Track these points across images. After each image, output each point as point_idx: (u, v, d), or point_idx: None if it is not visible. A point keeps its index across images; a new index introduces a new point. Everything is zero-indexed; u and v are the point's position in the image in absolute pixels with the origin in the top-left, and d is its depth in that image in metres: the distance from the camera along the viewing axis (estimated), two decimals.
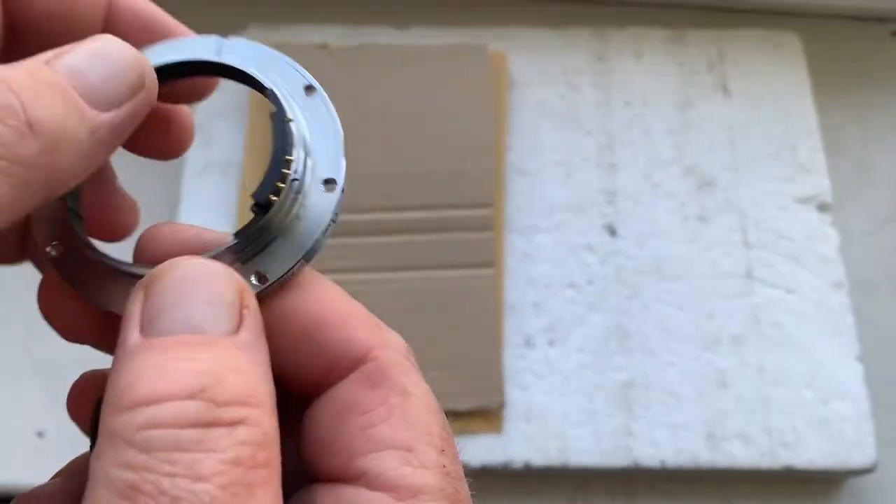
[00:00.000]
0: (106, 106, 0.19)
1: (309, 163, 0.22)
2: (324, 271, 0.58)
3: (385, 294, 0.55)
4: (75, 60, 0.19)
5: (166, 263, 0.19)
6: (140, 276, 0.20)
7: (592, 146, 0.61)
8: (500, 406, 0.53)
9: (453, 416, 0.53)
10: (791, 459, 0.52)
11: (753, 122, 0.62)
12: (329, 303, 0.21)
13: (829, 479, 0.55)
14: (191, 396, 0.17)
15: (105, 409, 0.17)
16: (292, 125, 0.22)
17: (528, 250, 0.57)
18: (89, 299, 0.22)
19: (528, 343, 0.55)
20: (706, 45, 0.64)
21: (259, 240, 0.21)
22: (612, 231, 0.58)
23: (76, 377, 0.25)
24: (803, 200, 0.59)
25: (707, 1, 0.68)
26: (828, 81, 0.65)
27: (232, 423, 0.17)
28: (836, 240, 0.58)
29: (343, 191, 0.22)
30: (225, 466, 0.16)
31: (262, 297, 0.21)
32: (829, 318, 0.56)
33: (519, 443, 0.52)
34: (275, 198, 0.21)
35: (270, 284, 0.21)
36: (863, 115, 0.66)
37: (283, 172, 0.21)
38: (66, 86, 0.18)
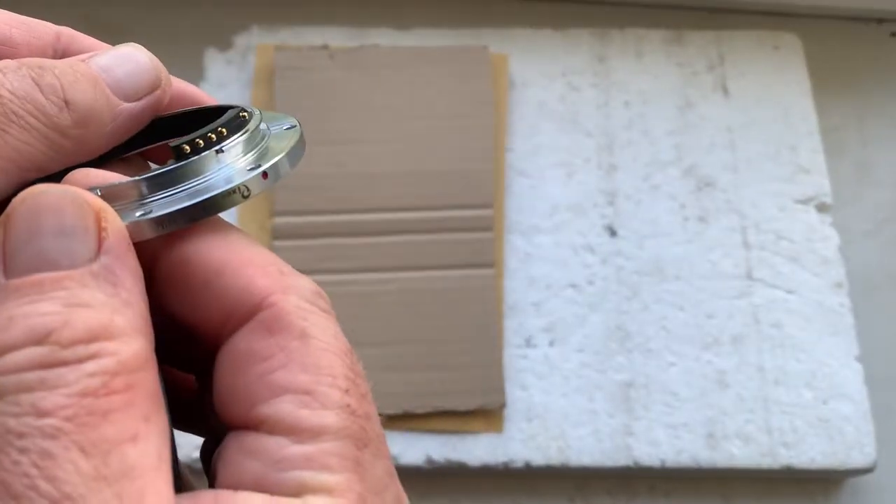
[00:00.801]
0: (127, 97, 0.23)
1: (244, 147, 0.23)
2: (324, 271, 0.58)
3: (386, 294, 0.55)
4: (106, 60, 0.23)
5: (20, 195, 0.19)
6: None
7: (593, 147, 0.61)
8: (501, 406, 0.53)
9: (454, 415, 0.53)
10: (791, 459, 0.52)
11: (753, 123, 0.62)
12: (230, 250, 0.21)
13: (829, 479, 0.55)
14: (36, 342, 0.17)
15: None
16: (246, 118, 0.23)
17: (528, 251, 0.58)
18: None
19: (529, 343, 0.55)
20: (706, 46, 0.64)
21: (160, 183, 0.21)
22: (612, 231, 0.58)
23: None
24: (803, 201, 0.59)
25: (707, 1, 0.68)
26: (828, 81, 0.65)
27: (79, 361, 0.17)
28: (836, 240, 0.58)
29: (265, 175, 0.22)
30: (70, 399, 0.17)
31: (158, 244, 0.21)
32: (829, 318, 0.56)
33: (519, 442, 0.52)
34: (187, 148, 0.22)
35: (149, 217, 0.21)
36: (863, 116, 0.66)
37: (209, 135, 0.22)
38: (98, 77, 0.23)
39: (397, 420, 0.52)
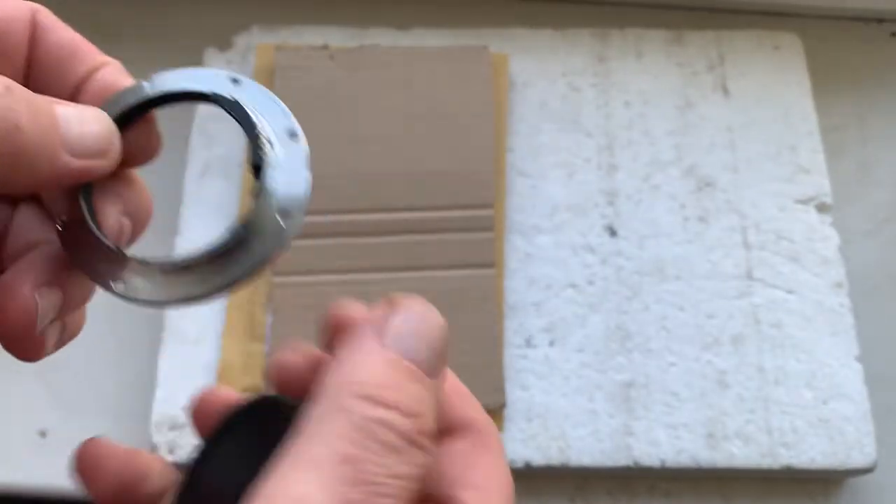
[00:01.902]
0: (73, 153, 0.24)
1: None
2: (325, 271, 0.58)
3: (386, 294, 0.55)
4: (66, 111, 0.24)
5: (409, 298, 0.28)
6: (129, 260, 0.25)
7: (593, 147, 0.61)
8: (501, 406, 0.53)
9: None
10: (791, 459, 0.52)
11: (753, 123, 0.62)
12: (452, 385, 0.30)
13: (829, 479, 0.55)
14: (408, 415, 0.23)
15: (337, 381, 0.23)
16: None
17: (528, 251, 0.58)
18: (83, 270, 0.25)
19: (529, 343, 0.55)
20: (706, 46, 0.64)
21: None
22: (612, 232, 0.58)
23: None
24: (803, 201, 0.59)
25: (707, 1, 0.68)
26: (828, 81, 0.65)
27: (421, 447, 0.23)
28: (836, 240, 0.58)
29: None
30: (413, 470, 0.22)
31: None
32: (829, 318, 0.56)
33: (519, 442, 0.52)
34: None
35: None
36: (863, 116, 0.66)
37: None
38: (55, 118, 0.23)
39: None
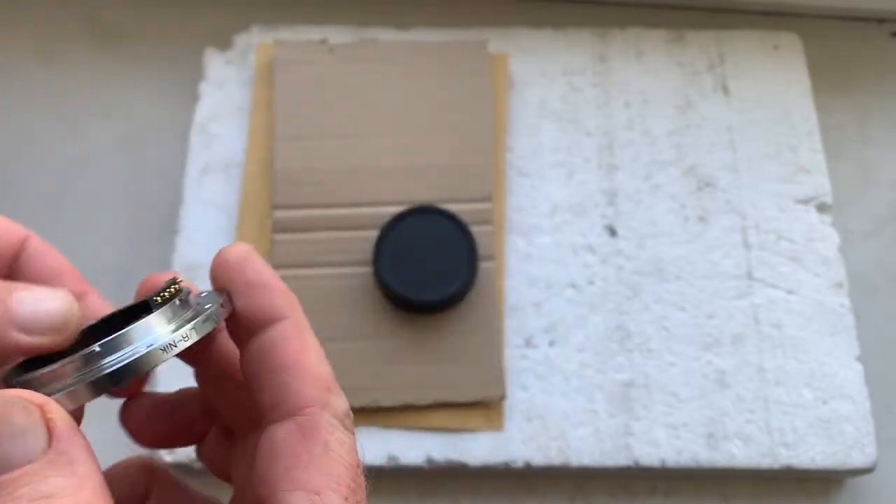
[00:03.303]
0: (21, 330, 0.25)
1: (173, 312, 0.26)
2: (324, 264, 0.58)
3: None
4: (22, 293, 0.25)
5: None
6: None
7: (593, 147, 0.61)
8: (501, 398, 0.53)
9: (454, 409, 0.53)
10: (791, 459, 0.52)
11: (753, 123, 0.62)
12: (303, 352, 0.26)
13: (829, 479, 0.55)
14: None
15: None
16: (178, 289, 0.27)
17: (528, 251, 0.58)
18: None
19: (529, 343, 0.55)
20: (706, 46, 0.64)
21: (94, 355, 0.25)
22: (612, 232, 0.58)
23: None
24: (803, 201, 0.59)
25: (707, 1, 0.68)
26: (828, 81, 0.65)
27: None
28: (837, 240, 0.58)
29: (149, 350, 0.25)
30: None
31: (245, 332, 0.28)
32: (829, 318, 0.56)
33: (520, 442, 0.52)
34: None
35: (86, 382, 0.24)
36: (863, 116, 0.66)
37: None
38: (7, 300, 0.25)
39: (397, 413, 0.52)
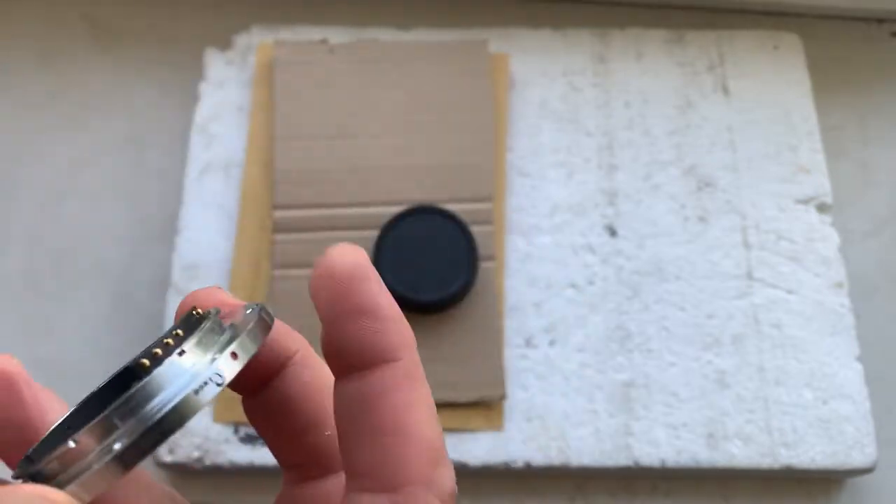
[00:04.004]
0: None
1: (205, 341, 0.21)
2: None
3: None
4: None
5: None
6: None
7: (593, 147, 0.61)
8: (501, 398, 0.53)
9: (454, 408, 0.53)
10: (791, 459, 0.52)
11: (753, 123, 0.62)
12: (408, 416, 0.22)
13: (829, 479, 0.55)
14: None
15: None
16: (201, 314, 0.22)
17: (529, 251, 0.58)
18: None
19: (529, 343, 0.55)
20: (706, 46, 0.64)
21: (124, 412, 0.20)
22: (612, 232, 0.58)
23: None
24: (803, 201, 0.59)
25: (707, 1, 0.68)
26: (828, 81, 0.65)
27: None
28: (837, 240, 0.58)
29: (235, 356, 0.21)
30: None
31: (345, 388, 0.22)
32: (829, 318, 0.56)
33: (520, 442, 0.52)
34: (146, 362, 0.21)
35: (110, 458, 0.19)
36: (863, 116, 0.66)
37: (165, 342, 0.21)
38: None
39: None
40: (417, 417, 0.21)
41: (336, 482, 0.25)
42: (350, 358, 0.22)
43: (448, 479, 0.22)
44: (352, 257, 0.22)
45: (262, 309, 0.23)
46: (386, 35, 0.64)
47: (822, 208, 0.59)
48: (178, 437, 0.52)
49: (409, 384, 0.22)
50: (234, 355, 0.21)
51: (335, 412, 0.22)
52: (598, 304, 0.56)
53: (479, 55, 0.62)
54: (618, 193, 0.59)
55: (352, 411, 0.22)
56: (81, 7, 0.69)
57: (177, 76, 0.66)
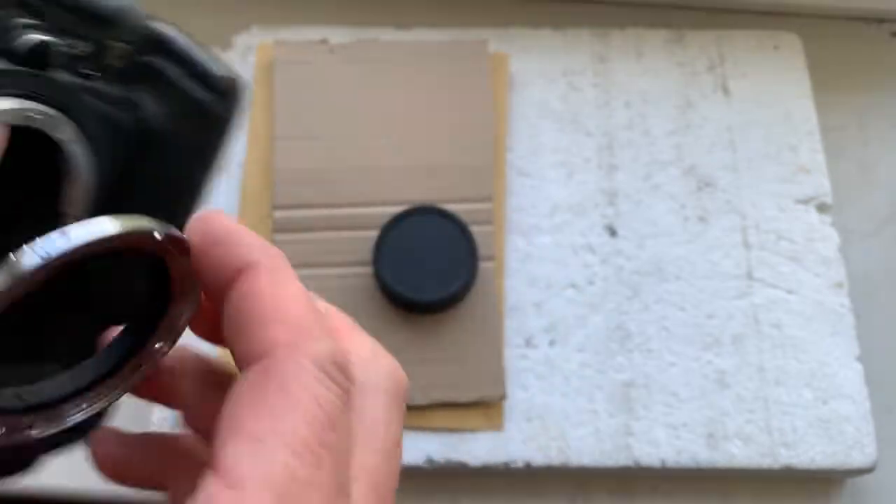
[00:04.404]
0: None
1: None
2: (325, 265, 0.58)
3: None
4: None
5: None
6: None
7: (593, 147, 0.61)
8: (501, 398, 0.53)
9: (454, 408, 0.53)
10: (791, 459, 0.52)
11: (753, 123, 0.62)
12: (272, 300, 0.23)
13: (829, 479, 0.55)
14: None
15: None
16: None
17: (529, 251, 0.58)
18: None
19: (529, 343, 0.55)
20: (706, 46, 0.64)
21: None
22: (612, 232, 0.58)
23: None
24: (803, 201, 0.59)
25: (707, 1, 0.68)
26: (828, 81, 0.65)
27: None
28: (837, 240, 0.58)
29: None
30: None
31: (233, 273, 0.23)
32: (829, 318, 0.56)
33: (520, 442, 0.52)
34: None
35: None
36: (863, 116, 0.66)
37: None
38: None
39: None
40: (280, 300, 0.22)
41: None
42: (219, 279, 0.23)
43: (322, 346, 0.22)
44: (206, 211, 0.24)
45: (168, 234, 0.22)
46: (386, 35, 0.64)
47: (822, 208, 0.59)
48: None
49: (269, 276, 0.23)
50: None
51: (224, 334, 0.23)
52: (598, 304, 0.56)
53: (478, 55, 0.62)
54: (618, 193, 0.59)
55: (231, 322, 0.23)
56: None
57: None
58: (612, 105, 0.62)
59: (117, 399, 0.24)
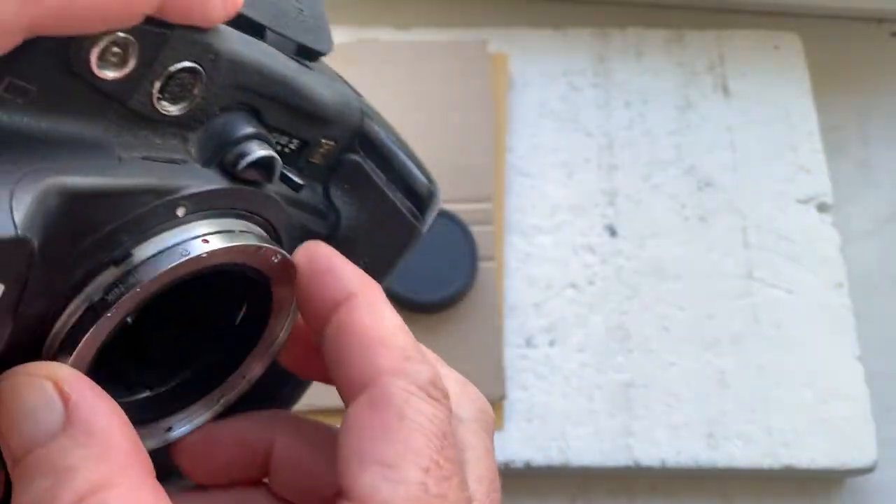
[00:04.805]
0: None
1: None
2: None
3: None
4: None
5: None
6: None
7: (593, 147, 0.61)
8: (501, 398, 0.53)
9: None
10: (791, 459, 0.52)
11: (753, 123, 0.62)
12: (370, 329, 0.24)
13: (829, 479, 0.55)
14: None
15: None
16: None
17: (529, 251, 0.57)
18: None
19: (530, 343, 0.55)
20: (706, 46, 0.64)
21: None
22: (612, 232, 0.58)
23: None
24: (803, 201, 0.59)
25: (707, 1, 0.68)
26: (828, 81, 0.65)
27: None
28: (837, 240, 0.58)
29: None
30: None
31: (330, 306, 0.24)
32: (829, 318, 0.56)
33: (520, 442, 0.52)
34: None
35: None
36: (863, 116, 0.66)
37: None
38: None
39: None
40: (380, 328, 0.24)
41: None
42: (319, 308, 0.24)
43: (423, 369, 0.24)
44: (310, 244, 0.25)
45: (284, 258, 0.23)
46: (386, 35, 0.64)
47: (822, 208, 0.59)
48: None
49: (369, 306, 0.24)
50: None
51: (326, 361, 0.24)
52: (598, 304, 0.56)
53: (478, 55, 0.62)
54: (618, 193, 0.59)
55: (333, 350, 0.24)
56: None
57: None
58: (612, 105, 0.62)
59: (211, 418, 0.25)
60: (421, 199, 0.27)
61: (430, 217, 0.28)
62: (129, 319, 0.21)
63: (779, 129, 0.61)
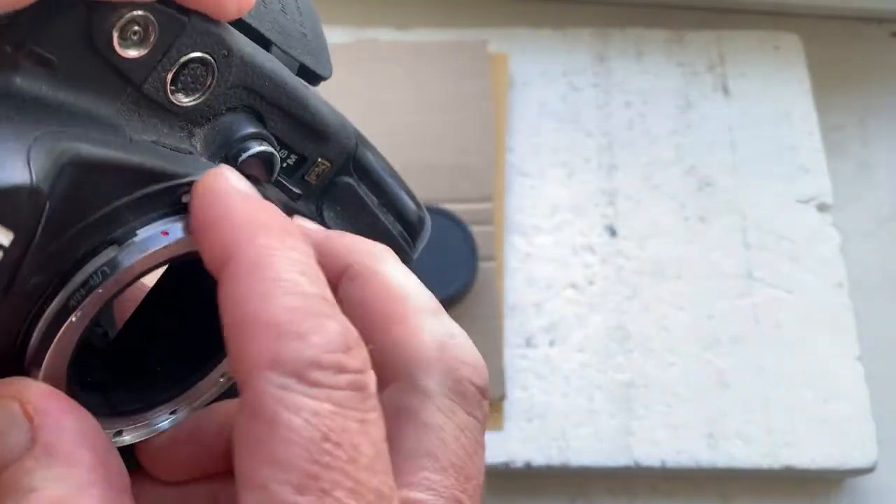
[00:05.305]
0: None
1: None
2: None
3: None
4: None
5: None
6: None
7: (593, 147, 0.61)
8: (501, 397, 0.53)
9: None
10: (791, 459, 0.52)
11: (753, 123, 0.62)
12: (241, 304, 0.19)
13: (829, 479, 0.55)
14: None
15: None
16: None
17: (529, 251, 0.58)
18: None
19: (530, 343, 0.55)
20: (706, 46, 0.64)
21: None
22: (612, 232, 0.58)
23: None
24: (803, 201, 0.59)
25: (707, 1, 0.68)
26: (828, 81, 0.65)
27: None
28: (837, 240, 0.58)
29: None
30: None
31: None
32: (829, 318, 0.56)
33: (520, 442, 0.52)
34: None
35: None
36: (863, 116, 0.66)
37: None
38: None
39: None
40: (254, 304, 0.19)
41: (388, 394, 0.23)
42: (210, 266, 0.20)
43: (304, 347, 0.19)
44: (211, 177, 0.20)
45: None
46: (386, 35, 0.64)
47: (822, 208, 0.59)
48: None
49: (244, 273, 0.19)
50: None
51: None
52: (598, 304, 0.56)
53: (478, 55, 0.62)
54: (618, 193, 0.59)
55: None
56: None
57: None
58: (612, 105, 0.62)
59: (202, 407, 0.24)
60: (412, 225, 0.27)
61: (420, 245, 0.27)
62: (109, 333, 0.20)
63: (779, 128, 0.61)
